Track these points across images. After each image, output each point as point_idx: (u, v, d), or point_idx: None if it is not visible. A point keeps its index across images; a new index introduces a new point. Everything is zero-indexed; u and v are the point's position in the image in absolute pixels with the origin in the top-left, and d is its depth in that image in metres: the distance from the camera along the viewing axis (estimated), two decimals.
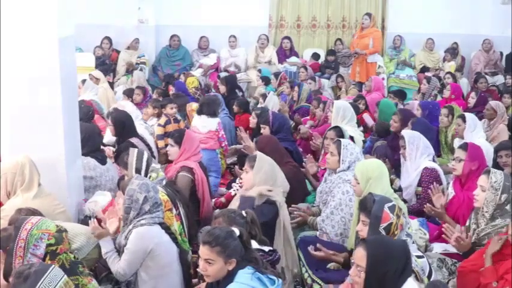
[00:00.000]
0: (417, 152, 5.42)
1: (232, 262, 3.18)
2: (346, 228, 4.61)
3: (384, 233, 3.47)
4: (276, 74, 10.02)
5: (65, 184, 4.57)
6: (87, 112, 6.72)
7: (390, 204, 3.57)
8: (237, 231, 3.26)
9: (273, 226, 4.34)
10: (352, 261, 3.16)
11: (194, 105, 7.54)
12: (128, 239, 3.85)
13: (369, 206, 3.60)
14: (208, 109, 6.89)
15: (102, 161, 5.49)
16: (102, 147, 5.88)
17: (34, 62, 4.36)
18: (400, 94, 9.49)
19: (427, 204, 4.83)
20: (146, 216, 3.88)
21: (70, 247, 3.43)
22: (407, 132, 5.63)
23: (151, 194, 3.91)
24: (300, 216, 4.98)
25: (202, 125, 6.82)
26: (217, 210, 4.97)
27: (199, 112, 6.94)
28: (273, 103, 8.16)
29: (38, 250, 3.21)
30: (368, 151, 6.62)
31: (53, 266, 2.86)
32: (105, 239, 3.97)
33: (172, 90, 8.93)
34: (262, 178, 4.51)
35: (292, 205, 5.05)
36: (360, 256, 2.98)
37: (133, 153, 4.77)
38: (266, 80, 9.88)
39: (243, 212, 3.77)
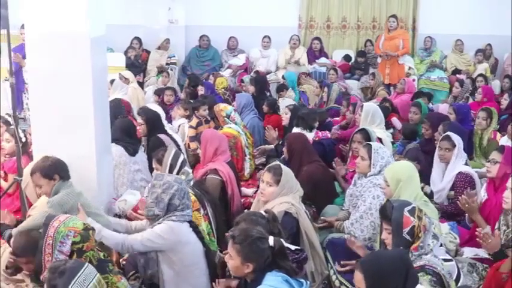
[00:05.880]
0: (457, 156, 5.38)
1: (249, 266, 3.17)
2: (375, 233, 4.57)
3: (408, 237, 3.42)
4: (304, 74, 9.99)
5: (95, 183, 4.62)
6: (120, 110, 6.82)
7: (409, 207, 3.52)
8: (271, 241, 3.22)
9: (297, 236, 4.28)
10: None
11: (222, 106, 7.55)
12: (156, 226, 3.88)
13: (388, 213, 3.56)
14: None
15: (132, 153, 5.56)
16: None
17: (67, 62, 4.42)
18: (428, 95, 9.37)
19: (462, 196, 4.72)
20: (177, 213, 3.90)
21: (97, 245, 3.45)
22: (455, 136, 5.53)
23: (176, 187, 3.93)
24: (326, 222, 4.96)
25: None
26: (246, 211, 4.96)
27: None
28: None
29: (64, 247, 3.24)
30: (399, 153, 6.56)
31: (87, 263, 2.89)
32: (86, 221, 3.78)
33: (201, 91, 8.96)
34: (286, 192, 4.43)
35: (321, 218, 5.02)
36: (358, 279, 2.91)
37: (170, 151, 4.78)
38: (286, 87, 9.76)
39: (263, 212, 3.76)
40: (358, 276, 2.88)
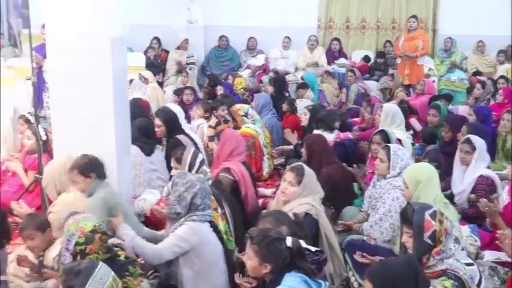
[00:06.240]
0: (477, 159, 5.32)
1: (266, 267, 3.15)
2: (394, 235, 4.53)
3: (429, 242, 3.37)
4: (326, 73, 9.97)
5: (115, 182, 4.64)
6: (140, 110, 6.85)
7: (431, 211, 3.46)
8: (289, 241, 3.20)
9: (316, 238, 4.26)
10: None
11: (238, 106, 7.57)
12: (177, 228, 3.89)
13: (409, 216, 3.52)
14: None
15: (148, 153, 5.58)
16: None
17: (87, 62, 4.46)
18: (447, 97, 9.29)
19: (482, 199, 4.66)
20: (198, 213, 3.92)
21: (105, 249, 3.39)
22: (476, 139, 5.47)
23: (199, 187, 3.95)
24: (345, 226, 4.95)
25: None
26: (264, 211, 4.95)
27: None
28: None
29: (70, 245, 3.28)
30: (418, 155, 6.52)
31: (100, 263, 2.89)
32: (122, 227, 3.93)
33: (220, 90, 8.97)
34: (307, 193, 4.42)
35: (340, 221, 5.00)
36: None
37: (189, 150, 4.81)
38: (306, 86, 9.78)
39: (291, 214, 3.74)
40: (368, 286, 2.88)
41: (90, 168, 4.27)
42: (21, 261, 3.87)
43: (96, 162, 4.33)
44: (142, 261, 4.31)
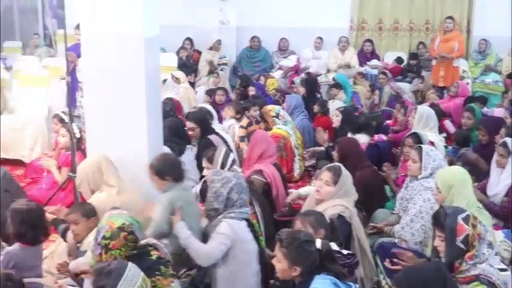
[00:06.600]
0: None
1: (296, 269, 3.14)
2: (426, 236, 4.48)
3: (462, 246, 3.32)
4: (359, 74, 9.92)
5: (147, 180, 4.64)
6: (170, 110, 6.90)
7: (464, 215, 3.41)
8: (319, 243, 3.19)
9: (347, 241, 4.21)
10: None
11: (269, 107, 7.57)
12: (216, 228, 3.91)
13: (441, 220, 3.47)
14: None
15: (178, 153, 5.61)
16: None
17: (121, 61, 4.50)
18: (482, 99, 9.15)
19: None
20: (236, 210, 3.95)
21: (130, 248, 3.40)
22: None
23: (235, 182, 3.99)
24: (376, 229, 4.91)
25: None
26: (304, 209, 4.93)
27: None
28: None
29: (98, 237, 3.33)
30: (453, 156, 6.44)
31: (130, 263, 2.91)
32: (179, 225, 3.98)
33: (252, 91, 8.99)
34: (342, 194, 4.40)
35: (371, 224, 4.98)
36: None
37: (221, 150, 4.84)
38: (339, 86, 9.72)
39: (327, 216, 3.74)
40: None
41: (166, 171, 4.27)
42: (61, 267, 3.95)
43: (173, 165, 4.34)
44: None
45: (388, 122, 8.12)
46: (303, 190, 5.50)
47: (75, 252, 4.08)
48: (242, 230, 3.97)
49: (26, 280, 3.22)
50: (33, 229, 3.82)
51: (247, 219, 4.05)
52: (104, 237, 3.30)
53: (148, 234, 3.91)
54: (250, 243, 4.02)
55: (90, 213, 4.02)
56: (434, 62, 10.79)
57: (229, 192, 3.94)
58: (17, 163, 7.30)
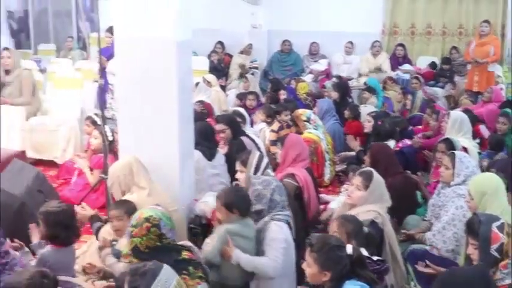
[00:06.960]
0: None
1: (326, 274, 3.11)
2: (458, 244, 4.41)
3: (496, 254, 3.28)
4: (389, 79, 9.84)
5: (177, 183, 4.70)
6: (202, 112, 6.93)
7: (498, 223, 3.36)
8: (350, 249, 3.16)
9: (379, 247, 4.18)
10: None
11: (300, 111, 7.55)
12: (267, 231, 3.92)
13: (475, 227, 3.42)
14: None
15: (209, 157, 5.61)
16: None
17: (153, 65, 4.53)
18: None
19: None
20: (280, 212, 3.99)
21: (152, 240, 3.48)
22: None
23: (276, 184, 4.07)
24: (407, 235, 4.87)
25: None
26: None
27: None
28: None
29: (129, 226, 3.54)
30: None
31: (165, 264, 2.92)
32: (235, 254, 3.89)
33: (283, 95, 8.98)
34: (374, 200, 4.35)
35: (402, 231, 4.94)
36: None
37: (255, 154, 4.88)
38: (372, 91, 9.65)
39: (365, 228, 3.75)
40: None
41: (235, 205, 4.06)
42: (87, 269, 4.02)
43: (243, 199, 4.12)
44: None
45: (419, 127, 8.04)
46: (335, 204, 5.46)
47: (105, 248, 4.09)
48: (287, 233, 3.99)
49: (60, 278, 3.26)
50: (65, 230, 3.86)
51: (288, 223, 4.06)
52: (132, 225, 3.48)
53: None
54: (292, 247, 4.03)
55: (132, 212, 4.03)
56: (469, 67, 10.65)
57: (272, 194, 4.01)
58: (50, 164, 7.41)
